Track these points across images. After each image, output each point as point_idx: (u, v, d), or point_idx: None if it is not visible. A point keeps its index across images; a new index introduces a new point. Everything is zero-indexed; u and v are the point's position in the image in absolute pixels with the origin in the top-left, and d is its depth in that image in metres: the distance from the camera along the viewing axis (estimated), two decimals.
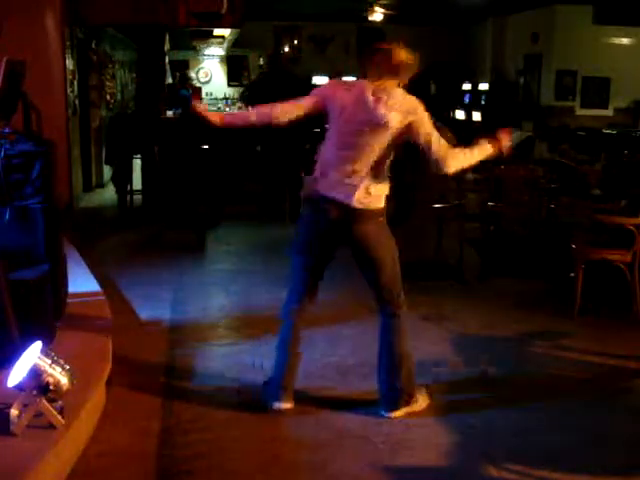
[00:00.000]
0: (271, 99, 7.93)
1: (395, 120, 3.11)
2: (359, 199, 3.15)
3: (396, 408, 3.34)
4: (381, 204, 3.22)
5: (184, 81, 11.94)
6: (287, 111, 3.34)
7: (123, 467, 2.93)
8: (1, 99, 3.64)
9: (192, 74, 11.71)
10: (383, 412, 3.35)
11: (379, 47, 3.25)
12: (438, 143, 3.16)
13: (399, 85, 3.20)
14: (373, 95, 3.14)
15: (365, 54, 3.31)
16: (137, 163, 8.82)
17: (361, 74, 3.28)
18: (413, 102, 3.17)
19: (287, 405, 3.38)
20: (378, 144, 3.14)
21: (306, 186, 3.29)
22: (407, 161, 5.84)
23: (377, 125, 3.12)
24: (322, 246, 3.31)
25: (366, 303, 5.03)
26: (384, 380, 3.36)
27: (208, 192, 7.82)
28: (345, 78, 15.07)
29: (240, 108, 12.68)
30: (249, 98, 9.29)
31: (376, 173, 3.17)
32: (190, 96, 10.82)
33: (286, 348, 3.39)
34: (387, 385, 3.35)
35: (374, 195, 3.18)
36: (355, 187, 3.14)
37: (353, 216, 3.17)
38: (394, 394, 3.34)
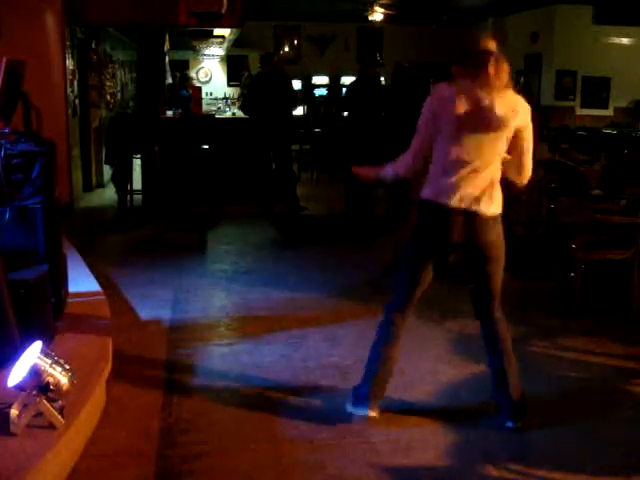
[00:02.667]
0: (266, 101, 7.96)
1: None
2: None
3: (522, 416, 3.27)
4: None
5: (184, 81, 11.94)
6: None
7: (123, 467, 2.93)
8: (1, 99, 3.64)
9: (192, 74, 11.69)
10: (510, 424, 3.26)
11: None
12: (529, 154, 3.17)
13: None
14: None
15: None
16: (137, 163, 8.82)
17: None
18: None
19: (373, 413, 3.29)
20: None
21: None
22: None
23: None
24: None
25: (364, 302, 5.06)
26: (502, 389, 3.27)
27: (208, 192, 7.83)
28: (345, 78, 14.92)
29: (240, 108, 12.68)
30: (244, 103, 9.28)
31: None
32: (190, 96, 10.83)
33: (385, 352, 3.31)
34: (506, 394, 3.26)
35: None
36: None
37: None
38: (514, 403, 3.25)
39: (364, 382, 3.31)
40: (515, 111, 3.06)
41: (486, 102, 3.01)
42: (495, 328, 3.39)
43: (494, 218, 3.17)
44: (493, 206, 3.15)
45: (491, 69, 3.01)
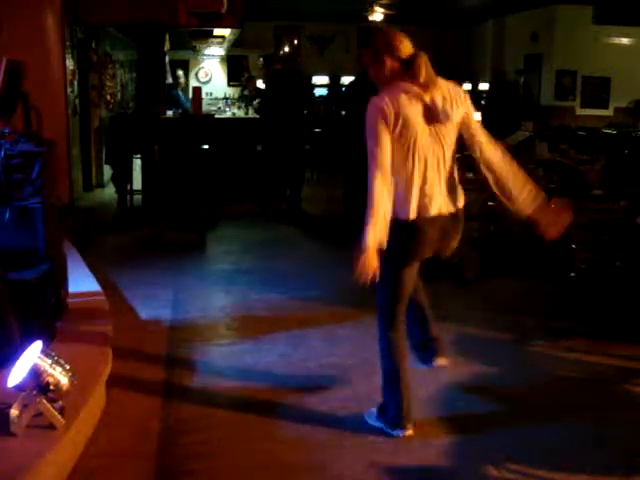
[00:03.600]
0: (285, 102, 7.66)
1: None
2: None
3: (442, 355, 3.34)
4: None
5: (174, 79, 11.80)
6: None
7: (123, 467, 2.93)
8: (1, 99, 3.64)
9: (179, 72, 11.59)
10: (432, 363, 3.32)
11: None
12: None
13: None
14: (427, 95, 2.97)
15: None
16: (137, 163, 8.82)
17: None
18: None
19: (411, 431, 3.20)
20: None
21: None
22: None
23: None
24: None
25: (365, 303, 5.05)
26: (428, 329, 3.36)
27: (208, 192, 7.83)
28: (345, 78, 14.86)
29: (240, 108, 12.67)
30: (263, 104, 9.16)
31: None
32: (177, 96, 10.81)
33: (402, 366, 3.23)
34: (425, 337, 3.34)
35: None
36: None
37: None
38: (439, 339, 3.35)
39: (391, 401, 3.18)
40: (451, 97, 2.98)
41: (428, 99, 2.94)
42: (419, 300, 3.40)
43: (462, 212, 3.16)
44: (460, 200, 3.14)
45: (425, 69, 2.94)
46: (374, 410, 3.29)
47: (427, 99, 2.94)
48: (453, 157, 3.07)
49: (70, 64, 8.49)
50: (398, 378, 3.18)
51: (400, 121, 2.89)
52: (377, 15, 13.71)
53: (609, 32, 13.60)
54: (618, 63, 13.51)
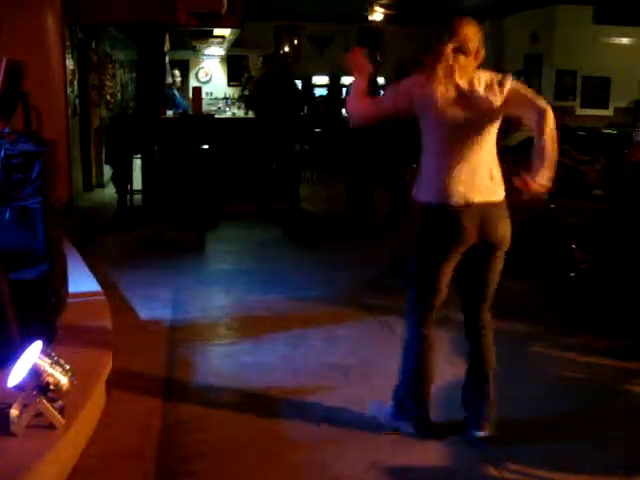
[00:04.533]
0: (273, 100, 7.78)
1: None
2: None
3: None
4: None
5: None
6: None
7: (123, 467, 2.93)
8: (1, 99, 3.64)
9: (175, 71, 11.57)
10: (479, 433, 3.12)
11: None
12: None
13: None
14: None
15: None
16: (137, 163, 8.82)
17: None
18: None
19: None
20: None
21: None
22: (408, 159, 5.83)
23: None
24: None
25: (365, 303, 5.06)
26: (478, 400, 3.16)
27: (208, 192, 7.83)
28: (345, 78, 14.84)
29: (240, 108, 12.68)
30: (252, 99, 9.24)
31: None
32: (174, 96, 10.81)
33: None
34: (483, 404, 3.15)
35: None
36: None
37: None
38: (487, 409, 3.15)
39: (417, 401, 3.14)
40: (495, 85, 2.94)
41: (465, 86, 2.92)
42: (484, 333, 3.19)
43: (504, 204, 3.03)
44: (500, 190, 3.02)
45: (445, 63, 2.93)
46: (383, 406, 3.25)
47: (464, 86, 2.91)
48: (492, 145, 3.01)
49: (70, 64, 8.50)
50: (425, 378, 3.13)
51: (428, 100, 2.90)
52: (377, 15, 13.70)
53: (609, 32, 13.60)
54: (618, 63, 13.51)
